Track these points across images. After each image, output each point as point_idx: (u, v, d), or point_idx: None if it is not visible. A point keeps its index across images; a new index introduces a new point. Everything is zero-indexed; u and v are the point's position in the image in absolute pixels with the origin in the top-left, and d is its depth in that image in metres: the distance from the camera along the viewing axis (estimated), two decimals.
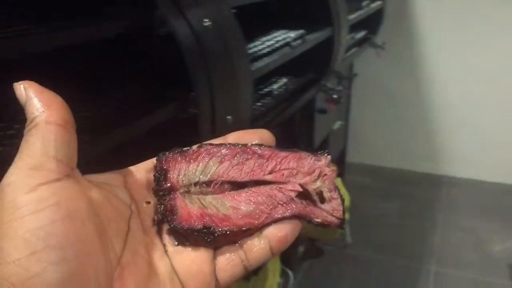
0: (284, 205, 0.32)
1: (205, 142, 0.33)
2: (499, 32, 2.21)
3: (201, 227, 0.30)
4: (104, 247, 0.26)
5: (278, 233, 0.31)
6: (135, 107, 0.62)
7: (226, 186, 0.32)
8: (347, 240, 1.95)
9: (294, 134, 1.46)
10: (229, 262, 0.30)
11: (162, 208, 0.30)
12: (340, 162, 2.21)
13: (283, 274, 1.45)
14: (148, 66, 0.73)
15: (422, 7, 2.31)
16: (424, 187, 2.49)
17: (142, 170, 0.32)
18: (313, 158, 0.33)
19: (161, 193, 0.31)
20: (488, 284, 1.80)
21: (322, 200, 0.33)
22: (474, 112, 2.40)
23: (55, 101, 0.27)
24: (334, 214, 0.32)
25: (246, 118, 0.79)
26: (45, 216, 0.24)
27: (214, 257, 0.30)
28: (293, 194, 0.32)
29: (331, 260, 1.92)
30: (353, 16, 1.50)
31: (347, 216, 1.01)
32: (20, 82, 0.27)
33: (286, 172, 0.33)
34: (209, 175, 0.32)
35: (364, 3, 1.70)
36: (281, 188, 0.32)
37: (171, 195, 0.31)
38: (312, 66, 1.26)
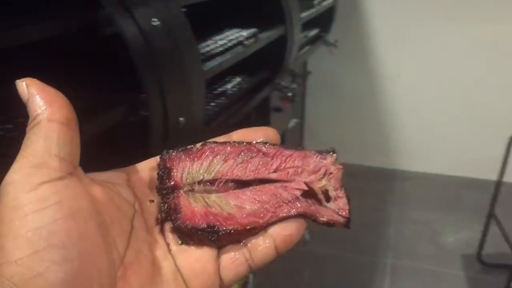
0: (289, 203, 0.31)
1: (209, 140, 0.33)
2: (447, 27, 2.28)
3: (205, 226, 0.29)
4: (107, 246, 0.26)
5: (283, 232, 0.31)
6: (82, 110, 0.60)
7: (230, 184, 0.32)
8: (305, 237, 1.96)
9: None
10: (233, 261, 0.30)
11: (165, 206, 0.30)
12: None
13: None
14: (96, 68, 0.71)
15: (372, 5, 2.36)
16: (378, 182, 2.54)
17: (146, 169, 0.32)
18: (318, 157, 0.33)
19: (164, 191, 0.30)
20: (443, 274, 1.86)
21: (328, 199, 0.32)
22: (425, 106, 2.47)
23: (58, 98, 0.26)
24: (340, 213, 0.32)
25: (199, 119, 0.78)
26: (48, 215, 0.23)
27: (218, 256, 0.30)
28: (298, 193, 0.32)
29: (290, 257, 1.92)
30: (305, 14, 1.50)
31: None
32: (22, 79, 0.26)
33: (291, 171, 0.32)
34: (213, 173, 0.31)
35: (316, 1, 1.71)
36: (286, 186, 0.32)
37: (175, 194, 0.31)
38: (266, 64, 1.26)
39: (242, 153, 0.32)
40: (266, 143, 0.33)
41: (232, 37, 1.04)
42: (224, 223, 0.30)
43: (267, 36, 1.14)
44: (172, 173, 0.31)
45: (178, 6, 0.74)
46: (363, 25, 2.40)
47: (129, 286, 0.26)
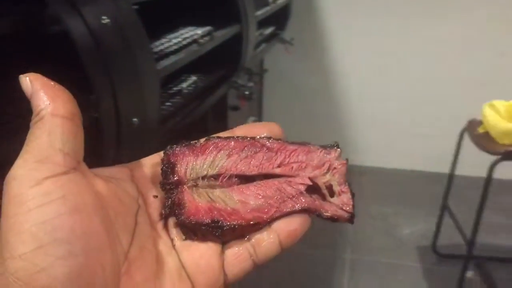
0: (293, 198, 0.31)
1: (213, 135, 0.33)
2: (401, 24, 2.33)
3: (209, 221, 0.29)
4: (111, 241, 0.26)
5: (288, 227, 0.31)
6: (28, 113, 0.57)
7: (234, 179, 0.32)
8: None
9: (207, 133, 1.43)
10: (237, 256, 0.30)
11: (169, 202, 0.30)
12: None
13: None
14: (43, 69, 0.68)
15: (327, 2, 2.38)
16: None
17: (149, 164, 0.32)
18: (322, 151, 0.33)
19: (168, 186, 0.30)
20: (400, 267, 1.90)
21: (332, 194, 0.32)
22: (380, 102, 2.52)
23: (62, 93, 0.26)
24: (344, 208, 0.32)
25: (154, 119, 0.76)
26: (52, 209, 0.23)
27: (222, 252, 0.30)
28: (302, 188, 0.32)
29: None
30: (261, 12, 1.50)
31: None
32: (26, 74, 0.26)
33: (295, 166, 0.32)
34: (217, 168, 0.31)
35: None
36: (290, 181, 0.32)
37: (179, 189, 0.30)
38: (222, 63, 1.25)
39: (246, 148, 0.32)
40: (270, 138, 0.33)
41: (187, 35, 1.02)
42: (228, 218, 0.30)
43: (223, 34, 1.13)
44: (176, 168, 0.31)
45: (129, 3, 0.72)
46: (319, 22, 2.42)
47: (133, 282, 0.26)
